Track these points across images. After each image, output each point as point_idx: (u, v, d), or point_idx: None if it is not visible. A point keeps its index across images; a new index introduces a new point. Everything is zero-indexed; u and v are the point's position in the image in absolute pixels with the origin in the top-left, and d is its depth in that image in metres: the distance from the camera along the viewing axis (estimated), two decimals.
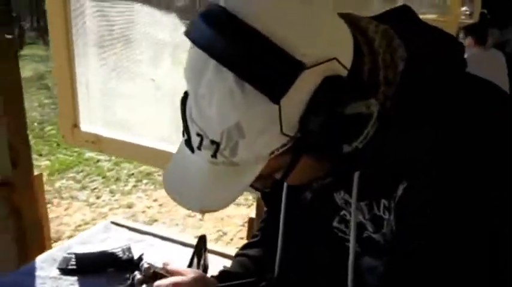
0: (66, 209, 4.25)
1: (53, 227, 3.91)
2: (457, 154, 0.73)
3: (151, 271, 1.01)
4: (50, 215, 4.07)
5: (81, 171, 4.98)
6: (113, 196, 4.45)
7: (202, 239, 1.16)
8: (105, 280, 1.45)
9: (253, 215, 2.45)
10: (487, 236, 0.74)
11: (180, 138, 0.82)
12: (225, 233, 3.75)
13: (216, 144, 0.73)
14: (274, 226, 1.03)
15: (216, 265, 1.23)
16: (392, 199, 0.80)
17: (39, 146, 5.60)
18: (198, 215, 4.01)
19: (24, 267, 1.58)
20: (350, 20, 0.80)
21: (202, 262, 1.14)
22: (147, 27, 1.93)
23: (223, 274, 1.08)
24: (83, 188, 4.63)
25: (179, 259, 1.20)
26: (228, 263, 1.21)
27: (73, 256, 1.57)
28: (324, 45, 0.71)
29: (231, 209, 4.09)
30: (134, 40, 1.98)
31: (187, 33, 0.73)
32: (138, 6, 1.94)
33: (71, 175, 4.91)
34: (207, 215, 3.99)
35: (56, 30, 2.08)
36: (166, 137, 1.83)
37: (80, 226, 3.88)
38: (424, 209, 0.75)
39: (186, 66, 0.75)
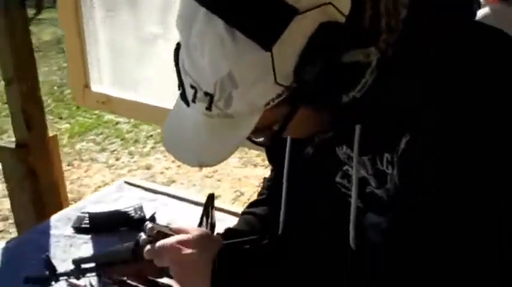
0: (86, 171, 4.31)
1: (74, 188, 3.99)
2: (461, 103, 0.71)
3: (155, 231, 1.01)
4: (71, 177, 4.16)
5: (101, 133, 5.02)
6: (132, 158, 4.49)
7: (210, 198, 1.15)
8: (118, 239, 1.47)
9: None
10: (493, 189, 0.72)
11: None
12: (242, 194, 3.77)
13: (209, 96, 0.72)
14: (279, 183, 1.02)
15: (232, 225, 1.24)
16: (396, 152, 0.78)
17: (59, 109, 5.64)
18: (216, 176, 4.04)
19: (39, 226, 1.61)
20: None
21: (209, 220, 1.14)
22: None
23: (229, 232, 1.09)
24: (103, 150, 4.68)
25: (191, 218, 1.20)
26: None
27: (86, 215, 1.59)
28: None
29: (248, 169, 4.11)
30: None
31: None
32: None
33: (91, 137, 4.96)
34: (224, 176, 4.02)
35: None
36: (176, 96, 1.82)
37: (99, 187, 3.93)
38: (428, 162, 0.72)
39: (178, 16, 0.74)
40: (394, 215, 0.80)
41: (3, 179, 2.44)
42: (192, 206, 1.68)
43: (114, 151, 4.65)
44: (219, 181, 3.99)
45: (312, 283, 0.82)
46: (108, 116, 5.21)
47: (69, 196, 3.47)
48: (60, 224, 1.60)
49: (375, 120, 0.79)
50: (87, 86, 2.11)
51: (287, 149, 0.97)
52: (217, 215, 1.53)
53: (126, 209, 1.61)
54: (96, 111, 5.27)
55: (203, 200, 1.20)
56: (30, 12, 9.02)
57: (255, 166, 4.12)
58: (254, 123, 0.74)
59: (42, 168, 2.15)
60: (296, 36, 0.68)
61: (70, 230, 1.56)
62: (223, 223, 1.16)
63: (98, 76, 2.12)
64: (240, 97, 0.71)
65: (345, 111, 0.77)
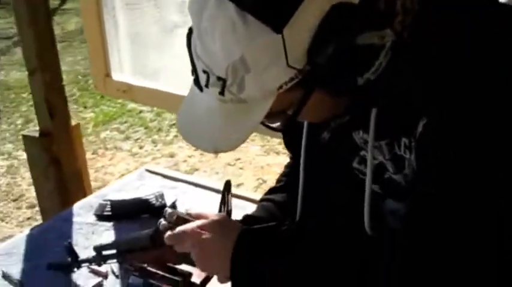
0: (110, 159, 4.35)
1: (99, 176, 4.04)
2: (478, 86, 0.69)
3: (175, 216, 1.02)
4: (96, 165, 4.21)
5: (125, 122, 5.06)
6: (155, 146, 4.52)
7: (227, 185, 1.15)
8: (139, 226, 1.49)
9: None
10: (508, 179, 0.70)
11: None
12: (264, 181, 3.77)
13: (222, 80, 0.72)
14: (297, 170, 1.01)
15: None
16: (413, 136, 0.76)
17: (84, 98, 5.70)
18: (238, 164, 4.04)
19: (62, 213, 1.64)
20: None
21: (226, 207, 1.14)
22: None
23: (247, 219, 1.09)
24: (127, 138, 4.72)
25: (211, 205, 1.21)
26: None
27: (108, 202, 1.61)
28: None
29: (270, 157, 4.10)
30: None
31: None
32: None
33: (115, 125, 5.00)
34: (246, 164, 4.02)
35: None
36: None
37: (123, 175, 3.97)
38: (445, 146, 0.71)
39: (189, 1, 0.73)
40: (411, 201, 0.78)
41: (29, 169, 2.47)
42: (213, 193, 1.68)
43: (137, 139, 4.69)
44: (241, 168, 3.99)
45: (327, 268, 0.81)
46: (132, 105, 5.25)
47: (94, 183, 3.52)
48: (83, 211, 1.62)
49: (391, 104, 0.78)
50: (108, 75, 2.12)
51: (304, 134, 0.96)
52: (239, 202, 1.54)
53: (147, 197, 1.62)
54: (120, 100, 5.31)
55: (221, 187, 1.20)
56: (55, 2, 9.11)
57: (278, 153, 4.11)
58: (268, 108, 0.74)
59: (65, 156, 2.18)
60: (307, 18, 0.67)
61: (92, 218, 1.58)
62: (245, 210, 1.16)
63: (119, 65, 2.13)
64: (252, 81, 0.71)
65: (360, 94, 0.75)
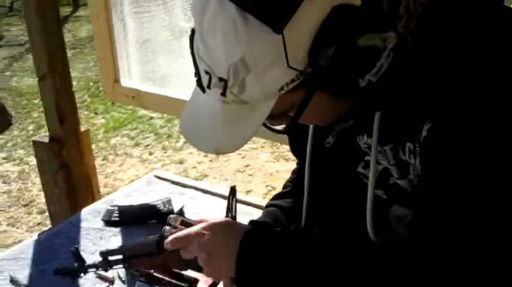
0: (120, 165, 4.37)
1: (109, 182, 4.05)
2: (482, 91, 0.68)
3: (179, 221, 1.01)
4: (106, 171, 4.23)
5: (135, 128, 5.08)
6: (165, 152, 4.53)
7: (232, 190, 1.15)
8: (146, 231, 1.49)
9: None
10: None
11: None
12: (274, 188, 3.76)
13: (224, 81, 0.72)
14: (303, 175, 1.01)
15: None
16: (418, 141, 0.76)
17: (95, 104, 5.74)
18: (248, 170, 4.04)
19: (70, 219, 1.64)
20: None
21: (231, 212, 1.14)
22: None
23: (253, 224, 1.08)
24: (137, 145, 4.74)
25: (219, 212, 1.21)
26: None
27: (116, 208, 1.62)
28: None
29: (280, 164, 4.09)
30: None
31: None
32: None
33: (125, 132, 5.03)
34: (255, 171, 4.02)
35: None
36: None
37: (133, 181, 3.98)
38: (449, 151, 0.70)
39: (192, 3, 0.74)
40: (416, 207, 0.78)
41: (39, 174, 2.49)
42: (220, 199, 1.68)
43: (147, 145, 4.71)
44: (250, 175, 3.99)
45: (331, 271, 0.80)
46: (142, 111, 5.27)
47: (104, 189, 3.53)
48: (91, 217, 1.62)
49: (394, 108, 0.77)
50: (117, 80, 2.13)
51: (309, 139, 0.95)
52: (246, 209, 1.54)
53: (155, 203, 1.62)
54: (131, 107, 5.34)
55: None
56: (67, 9, 9.20)
57: (287, 160, 4.10)
58: (269, 109, 0.74)
59: (75, 162, 2.19)
60: (308, 19, 0.67)
61: (100, 223, 1.58)
62: (252, 217, 1.15)
63: (128, 71, 2.14)
64: (253, 82, 0.71)
65: (363, 98, 0.75)
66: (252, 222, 1.09)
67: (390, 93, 0.76)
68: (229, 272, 0.90)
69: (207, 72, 0.74)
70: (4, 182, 4.25)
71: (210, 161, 4.23)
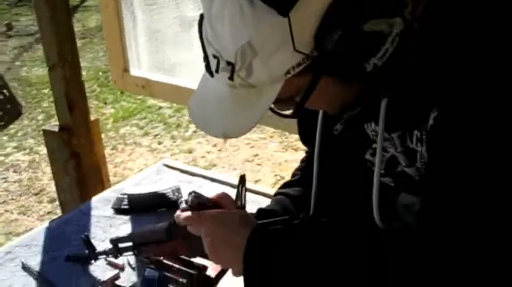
0: (129, 155, 4.39)
1: (118, 171, 4.08)
2: (490, 79, 0.68)
3: (197, 202, 1.00)
4: (115, 160, 4.25)
5: (144, 118, 5.10)
6: (174, 142, 4.55)
7: (241, 179, 1.16)
8: (156, 219, 1.50)
9: None
10: None
11: None
12: (282, 178, 3.77)
13: (231, 65, 0.73)
14: (312, 163, 1.01)
15: None
16: (424, 129, 0.76)
17: (104, 94, 5.75)
18: (256, 160, 4.05)
19: (80, 207, 1.66)
20: None
21: (240, 201, 1.14)
22: None
23: (261, 212, 1.09)
24: (146, 134, 4.75)
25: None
26: None
27: (126, 196, 1.63)
28: None
29: (288, 154, 4.10)
30: None
31: None
32: None
33: (134, 121, 5.04)
34: (264, 160, 4.02)
35: None
36: None
37: (142, 170, 4.01)
38: (456, 139, 0.70)
39: None
40: (424, 196, 0.78)
41: (49, 163, 2.51)
42: (229, 188, 1.69)
43: (157, 135, 4.72)
44: (259, 165, 3.99)
45: (338, 260, 0.81)
46: (151, 101, 5.28)
47: (113, 179, 3.55)
48: (101, 205, 1.64)
49: (401, 95, 0.77)
50: (126, 70, 2.14)
51: (318, 127, 0.96)
52: (255, 197, 1.55)
53: (164, 191, 1.64)
54: (140, 97, 5.35)
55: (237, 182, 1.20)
56: None
57: (296, 150, 4.11)
58: (276, 93, 0.75)
59: (84, 150, 2.21)
60: (314, 2, 0.68)
61: (110, 211, 1.60)
62: (261, 205, 1.15)
63: (137, 60, 2.15)
64: (260, 66, 0.72)
65: (369, 83, 0.76)
66: (260, 210, 1.10)
67: (396, 80, 0.76)
68: (236, 266, 0.91)
69: (215, 57, 0.75)
70: (15, 171, 4.29)
71: (219, 150, 4.24)
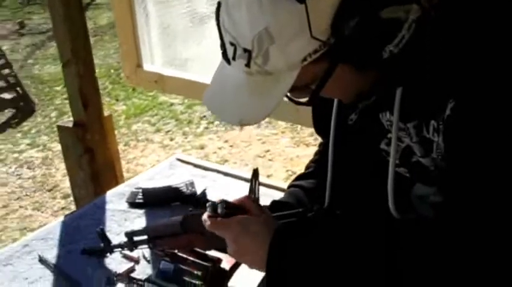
0: (142, 151, 4.42)
1: (130, 167, 4.10)
2: (508, 69, 0.68)
3: (225, 212, 0.96)
4: (128, 157, 4.28)
5: (156, 114, 5.12)
6: (186, 138, 4.57)
7: (255, 173, 1.16)
8: (170, 213, 1.51)
9: None
10: None
11: None
12: (294, 173, 3.77)
13: (248, 52, 0.74)
14: (326, 155, 1.02)
15: None
16: (441, 119, 0.76)
17: (116, 91, 5.79)
18: (268, 155, 4.05)
19: (95, 201, 1.67)
20: None
21: (253, 194, 1.15)
22: None
23: (274, 205, 1.09)
24: (158, 130, 4.78)
25: (240, 194, 1.22)
26: None
27: (140, 190, 1.64)
28: None
29: (300, 149, 4.10)
30: None
31: None
32: None
33: (146, 118, 5.07)
34: (276, 156, 4.03)
35: None
36: None
37: (154, 166, 4.03)
38: (476, 131, 0.70)
39: None
40: (444, 189, 0.77)
41: (64, 158, 2.54)
42: (242, 182, 1.70)
43: (168, 131, 4.75)
44: (271, 160, 4.00)
45: (354, 251, 0.81)
46: (163, 98, 5.31)
47: (126, 175, 3.57)
48: (115, 199, 1.65)
49: (417, 85, 0.77)
50: (139, 65, 2.15)
51: (333, 117, 0.96)
52: (268, 191, 1.55)
53: (178, 185, 1.65)
54: (151, 93, 5.38)
55: (250, 176, 1.21)
56: None
57: (307, 145, 4.11)
58: (293, 80, 0.75)
59: (98, 146, 2.23)
60: None
61: (124, 205, 1.61)
62: (273, 199, 1.16)
63: (150, 56, 2.16)
64: (277, 52, 0.73)
65: (385, 71, 0.76)
66: (274, 202, 1.10)
67: (412, 67, 0.76)
68: (261, 269, 0.91)
69: (232, 44, 0.76)
70: (29, 168, 4.33)
71: (231, 146, 4.25)
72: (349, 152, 0.97)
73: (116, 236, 1.40)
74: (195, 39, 2.05)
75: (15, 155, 4.60)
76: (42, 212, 3.72)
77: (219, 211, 0.96)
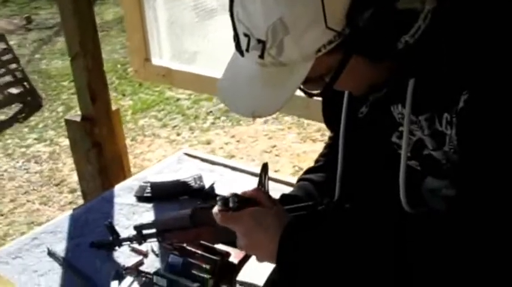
0: (149, 146, 4.43)
1: (137, 162, 4.11)
2: None
3: (237, 205, 0.96)
4: (135, 152, 4.28)
5: (162, 110, 5.13)
6: (192, 133, 4.57)
7: (264, 167, 1.16)
8: (178, 207, 1.51)
9: None
10: None
11: None
12: (301, 169, 3.76)
13: (262, 43, 0.73)
14: (336, 148, 1.01)
15: None
16: (454, 112, 0.75)
17: (123, 86, 5.79)
18: (275, 151, 4.05)
19: (103, 194, 1.68)
20: None
21: (263, 189, 1.15)
22: None
23: (284, 198, 1.09)
24: (164, 125, 4.78)
25: (248, 188, 1.22)
26: None
27: (148, 184, 1.64)
28: None
29: (306, 145, 4.09)
30: None
31: None
32: None
33: (153, 113, 5.07)
34: (282, 151, 4.02)
35: None
36: None
37: (161, 161, 4.03)
38: (490, 124, 0.69)
39: None
40: (458, 182, 0.77)
41: (71, 153, 2.54)
42: (249, 176, 1.69)
43: (175, 126, 4.75)
44: (277, 156, 4.00)
45: (364, 245, 0.80)
46: (170, 93, 5.31)
47: (133, 169, 3.58)
48: (123, 193, 1.65)
49: (430, 77, 0.77)
50: (147, 59, 2.15)
51: (343, 109, 0.96)
52: (276, 186, 1.55)
53: (186, 179, 1.65)
54: (158, 88, 5.38)
55: (257, 170, 1.20)
56: None
57: (314, 141, 4.10)
58: (307, 72, 0.75)
59: (106, 140, 2.23)
60: None
61: (133, 199, 1.61)
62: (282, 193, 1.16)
63: (158, 50, 2.15)
64: (291, 43, 0.72)
65: (399, 62, 0.75)
66: (283, 196, 1.10)
67: (427, 58, 0.76)
68: (272, 262, 0.91)
69: (245, 35, 0.76)
70: (36, 162, 4.35)
71: (237, 141, 4.25)
72: (359, 145, 0.97)
73: (124, 230, 1.40)
74: (203, 33, 2.05)
75: (23, 149, 4.62)
76: (50, 206, 3.73)
77: (231, 204, 0.96)
